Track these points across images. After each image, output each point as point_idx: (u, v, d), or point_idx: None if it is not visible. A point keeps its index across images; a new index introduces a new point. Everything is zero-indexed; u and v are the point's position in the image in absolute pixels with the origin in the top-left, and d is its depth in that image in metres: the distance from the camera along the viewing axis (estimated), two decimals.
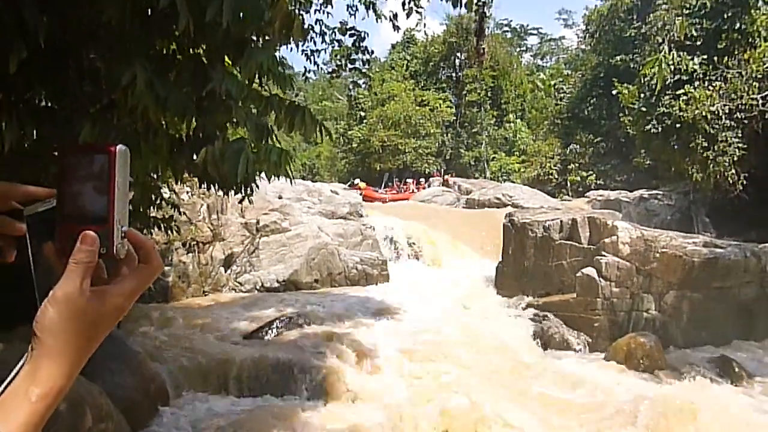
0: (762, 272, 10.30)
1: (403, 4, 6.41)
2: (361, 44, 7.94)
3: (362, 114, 41.76)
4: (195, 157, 3.59)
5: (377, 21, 7.51)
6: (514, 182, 31.75)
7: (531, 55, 56.86)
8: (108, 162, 0.68)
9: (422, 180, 34.52)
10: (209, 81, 3.17)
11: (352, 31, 7.83)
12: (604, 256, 10.33)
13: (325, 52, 7.98)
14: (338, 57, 7.93)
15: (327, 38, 7.81)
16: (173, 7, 2.62)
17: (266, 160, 3.61)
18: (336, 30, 7.80)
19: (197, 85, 3.28)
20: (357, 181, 33.54)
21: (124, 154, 0.69)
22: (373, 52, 8.56)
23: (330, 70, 8.05)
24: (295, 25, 3.22)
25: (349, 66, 8.21)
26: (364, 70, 9.28)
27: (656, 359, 8.98)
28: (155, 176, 5.77)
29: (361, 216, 17.54)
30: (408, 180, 34.64)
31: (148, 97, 2.93)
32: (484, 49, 39.15)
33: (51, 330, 0.67)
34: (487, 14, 35.15)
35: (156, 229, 7.16)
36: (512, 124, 40.30)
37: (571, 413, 7.03)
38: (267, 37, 3.47)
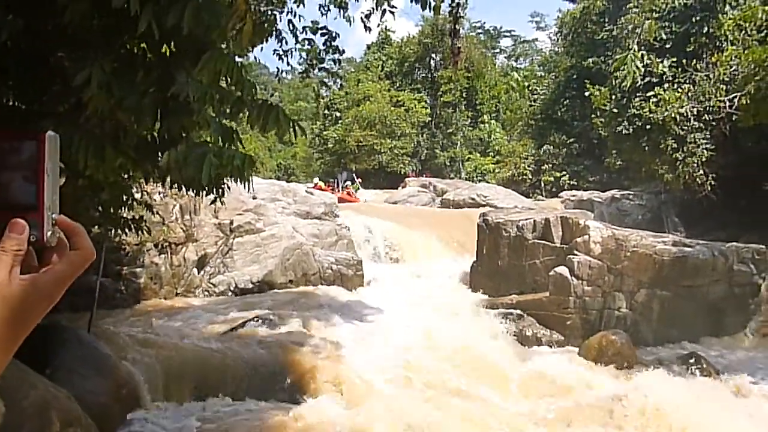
0: (729, 271, 10.54)
1: (377, 4, 6.41)
2: (332, 44, 7.91)
3: (338, 114, 41.72)
4: (159, 159, 3.55)
5: (348, 23, 7.50)
6: (488, 182, 31.98)
7: (505, 57, 57.32)
8: (37, 149, 0.67)
9: (352, 181, 32.31)
10: (173, 83, 3.14)
11: (323, 31, 7.79)
12: (576, 255, 10.47)
13: (297, 52, 7.93)
14: (309, 57, 7.89)
15: (299, 38, 7.78)
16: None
17: (229, 164, 3.58)
18: (307, 29, 7.76)
19: (162, 87, 3.24)
20: (316, 180, 31.78)
21: (54, 141, 0.69)
22: (344, 51, 8.53)
23: (301, 70, 8.00)
24: (245, 30, 3.20)
25: (319, 65, 8.16)
26: (333, 70, 9.26)
27: (627, 356, 9.12)
28: (126, 176, 5.70)
29: (336, 216, 17.50)
30: (348, 182, 32.21)
31: (101, 97, 2.89)
32: (459, 48, 39.43)
33: None
34: (462, 15, 35.39)
35: (127, 229, 7.07)
36: (487, 125, 40.61)
37: (543, 411, 7.10)
38: (229, 42, 3.44)
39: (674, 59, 17.93)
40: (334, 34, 7.91)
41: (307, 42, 7.84)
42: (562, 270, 10.44)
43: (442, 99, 40.16)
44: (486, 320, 10.42)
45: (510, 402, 7.37)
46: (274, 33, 6.85)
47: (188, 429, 6.10)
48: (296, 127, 3.97)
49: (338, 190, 28.32)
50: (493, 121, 41.07)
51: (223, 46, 3.43)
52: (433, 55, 42.13)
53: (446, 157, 39.69)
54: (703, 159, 17.51)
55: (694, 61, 17.68)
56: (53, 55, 3.78)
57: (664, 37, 18.36)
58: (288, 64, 7.95)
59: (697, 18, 18.21)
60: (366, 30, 7.45)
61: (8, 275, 0.66)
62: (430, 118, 40.07)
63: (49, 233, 0.68)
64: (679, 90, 17.63)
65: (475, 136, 40.27)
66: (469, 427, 6.38)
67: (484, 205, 22.26)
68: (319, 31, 7.67)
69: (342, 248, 15.73)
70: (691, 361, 8.96)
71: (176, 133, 3.56)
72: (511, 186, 30.10)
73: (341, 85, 37.30)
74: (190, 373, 7.30)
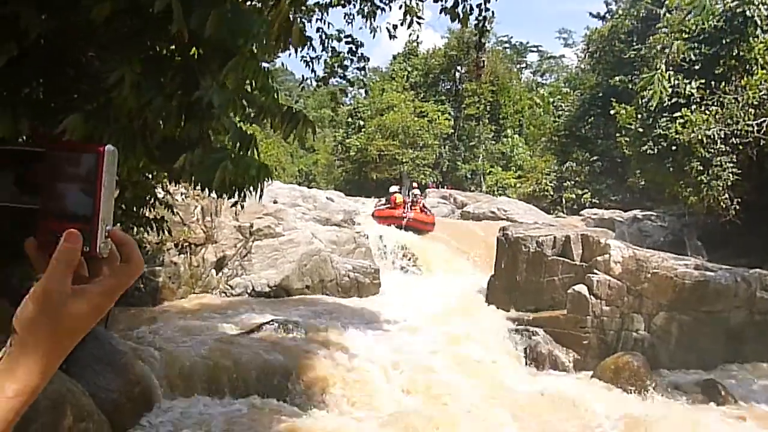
0: (752, 297, 10.33)
1: (405, 15, 6.44)
2: (356, 52, 7.95)
3: (361, 123, 41.88)
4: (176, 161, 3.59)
5: (371, 34, 7.54)
6: (509, 197, 31.82)
7: (531, 72, 57.16)
8: (96, 162, 0.68)
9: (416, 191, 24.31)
10: (198, 87, 3.18)
11: (348, 39, 7.85)
12: (596, 274, 10.35)
13: (323, 60, 8.00)
14: (332, 64, 7.94)
15: (326, 45, 7.84)
16: (169, 10, 2.63)
17: (245, 173, 3.61)
18: (332, 37, 7.83)
19: (187, 91, 3.28)
20: (394, 189, 23.14)
21: (113, 155, 0.69)
22: (368, 59, 8.57)
23: (320, 77, 8.05)
24: (293, 32, 3.23)
25: (340, 73, 8.21)
26: (351, 79, 9.30)
27: (643, 379, 8.98)
28: (150, 176, 5.77)
29: (355, 224, 17.54)
30: (416, 192, 23.79)
31: (132, 97, 2.93)
32: (483, 62, 39.39)
33: (30, 327, 0.67)
34: (488, 29, 35.39)
35: (148, 228, 7.15)
36: (510, 140, 40.46)
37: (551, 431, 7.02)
38: (257, 48, 3.47)
39: (702, 81, 17.72)
40: (358, 43, 7.97)
41: (331, 50, 7.90)
42: (581, 288, 10.33)
43: (465, 111, 40.13)
44: (501, 335, 10.34)
45: (520, 420, 7.29)
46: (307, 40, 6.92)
47: (198, 427, 6.13)
48: (314, 133, 4.00)
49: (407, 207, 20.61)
50: (516, 136, 40.91)
51: (253, 51, 3.46)
52: (458, 68, 42.14)
53: (467, 170, 39.60)
54: (729, 183, 17.23)
55: (723, 83, 17.45)
56: (83, 54, 3.85)
57: (693, 58, 18.16)
58: (313, 71, 8.01)
59: (727, 40, 17.99)
60: (391, 38, 7.48)
61: (60, 284, 0.67)
62: (452, 130, 40.04)
63: (101, 245, 0.69)
64: (707, 112, 17.40)
65: (497, 150, 40.14)
66: None
67: (504, 219, 22.14)
68: (344, 40, 7.74)
69: (360, 256, 15.75)
70: (709, 388, 8.79)
71: (196, 137, 3.60)
72: (532, 201, 29.91)
73: (365, 93, 37.45)
74: (203, 373, 7.35)
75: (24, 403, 0.67)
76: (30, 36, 2.73)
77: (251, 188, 3.86)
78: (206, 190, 3.90)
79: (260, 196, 3.98)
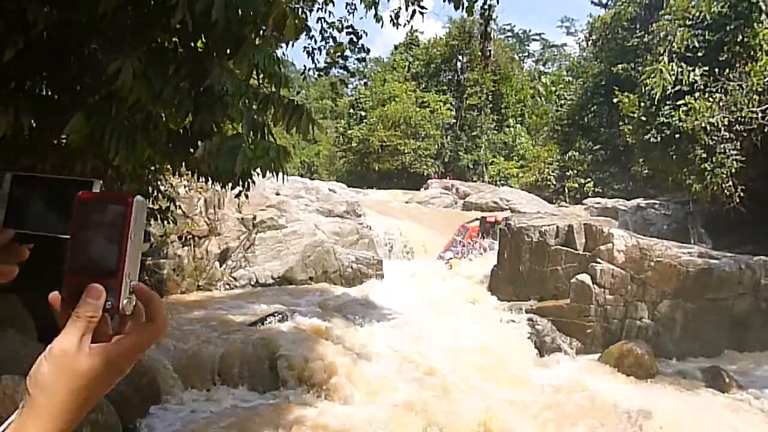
0: (756, 285, 10.33)
1: (406, 4, 6.40)
2: (357, 43, 7.90)
3: (362, 114, 41.80)
4: (192, 151, 3.58)
5: (378, 23, 7.49)
6: (512, 187, 31.79)
7: (533, 61, 56.97)
8: (124, 213, 0.65)
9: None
10: (207, 76, 3.16)
11: (349, 29, 7.79)
12: (599, 263, 10.35)
13: (325, 50, 7.94)
14: (335, 54, 7.89)
15: (326, 36, 7.78)
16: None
17: (264, 156, 3.59)
18: (333, 27, 7.76)
19: (195, 80, 3.27)
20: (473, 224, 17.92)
21: (142, 206, 0.67)
22: (369, 50, 8.51)
23: (320, 67, 7.99)
24: (288, 24, 3.21)
25: (341, 63, 8.15)
26: (352, 69, 9.25)
27: (648, 367, 9.00)
28: (153, 168, 5.77)
29: (358, 215, 17.54)
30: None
31: (140, 88, 2.92)
32: (490, 51, 39.24)
33: (43, 387, 0.63)
34: (493, 17, 35.22)
35: (152, 219, 7.16)
36: (512, 129, 40.36)
37: (560, 419, 7.04)
38: (263, 35, 3.46)
39: (706, 68, 17.63)
40: (359, 33, 7.92)
41: (331, 39, 7.85)
42: (584, 277, 10.33)
43: (467, 101, 40.01)
44: (505, 324, 10.36)
45: (530, 409, 7.31)
46: (304, 30, 6.88)
47: (206, 420, 6.17)
48: (314, 128, 3.99)
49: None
50: (518, 125, 40.80)
51: (256, 41, 3.44)
52: (460, 57, 41.95)
53: (470, 160, 39.54)
54: (733, 170, 17.18)
55: (727, 70, 17.36)
56: (87, 47, 3.84)
57: (697, 45, 18.05)
58: (313, 62, 7.96)
59: (731, 27, 17.87)
60: (395, 26, 7.45)
61: (78, 343, 0.64)
62: (454, 120, 39.95)
63: (125, 301, 0.66)
64: (710, 99, 17.32)
65: (499, 140, 40.04)
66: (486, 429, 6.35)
67: (506, 210, 22.14)
68: (345, 30, 7.69)
69: (363, 247, 15.78)
70: (713, 375, 8.80)
71: (208, 126, 3.59)
72: (535, 191, 29.87)
73: (366, 83, 37.26)
74: (209, 364, 7.38)
75: None
76: (37, 28, 2.72)
77: (273, 171, 3.83)
78: (219, 180, 3.89)
79: (283, 179, 3.97)
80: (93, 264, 0.65)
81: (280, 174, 3.83)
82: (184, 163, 4.24)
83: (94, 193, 0.66)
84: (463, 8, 5.16)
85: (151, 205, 6.94)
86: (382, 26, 7.79)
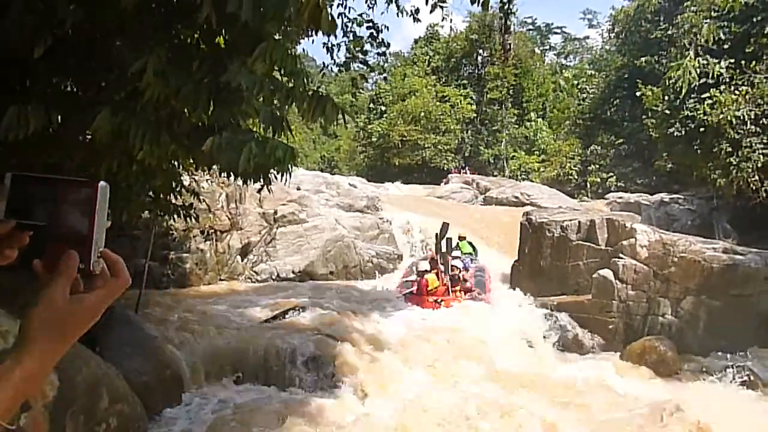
0: None
1: None
2: (377, 37, 7.86)
3: (383, 108, 41.76)
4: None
5: (398, 16, 7.46)
6: (533, 181, 31.55)
7: (554, 54, 56.40)
8: (92, 195, 0.82)
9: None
10: (226, 72, 3.20)
11: (369, 24, 7.76)
12: (622, 258, 10.25)
13: (345, 46, 7.93)
14: (355, 49, 7.87)
15: (347, 30, 7.77)
16: None
17: (271, 155, 3.64)
18: (354, 21, 7.75)
19: (216, 77, 3.31)
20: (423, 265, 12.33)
21: (105, 190, 0.83)
22: (389, 45, 8.46)
23: (341, 62, 7.98)
24: (323, 16, 3.23)
25: (361, 58, 8.15)
26: (373, 64, 9.24)
27: (671, 364, 8.91)
28: (177, 163, 5.84)
29: (378, 210, 17.57)
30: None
31: (158, 85, 2.98)
32: (510, 45, 38.96)
33: (35, 326, 0.79)
34: (512, 10, 34.91)
35: (176, 216, 7.25)
36: (533, 123, 40.04)
37: (584, 415, 7.00)
38: (285, 30, 3.47)
39: (732, 60, 17.33)
40: (380, 27, 7.89)
41: (352, 34, 7.84)
42: (606, 273, 10.25)
43: (488, 96, 39.78)
44: (526, 320, 10.32)
45: (544, 403, 7.28)
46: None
47: (226, 413, 6.24)
48: (344, 116, 4.01)
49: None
50: (539, 120, 40.46)
51: (278, 36, 3.46)
52: (480, 51, 41.71)
53: (490, 155, 39.33)
54: (759, 164, 16.87)
55: (753, 62, 17.04)
56: (112, 44, 3.90)
57: (723, 37, 17.75)
58: (332, 58, 7.95)
59: (758, 18, 17.53)
60: (414, 22, 7.40)
61: (60, 292, 0.80)
62: (475, 115, 39.75)
63: (94, 263, 0.83)
64: (737, 92, 17.03)
65: (520, 134, 39.76)
66: (505, 425, 6.34)
67: (527, 204, 22.00)
68: (365, 24, 7.67)
69: (383, 242, 15.80)
70: (738, 372, 8.68)
71: (226, 121, 3.62)
72: (556, 186, 29.64)
73: (386, 78, 37.13)
74: (230, 357, 7.47)
75: (30, 388, 0.78)
76: (65, 25, 2.77)
77: (279, 171, 3.87)
78: (237, 176, 3.92)
79: (287, 180, 4.01)
80: (69, 235, 0.82)
81: (287, 175, 3.86)
82: (194, 158, 4.29)
83: (68, 179, 0.83)
84: (478, 3, 5.12)
85: (174, 202, 7.03)
86: (403, 17, 7.73)
